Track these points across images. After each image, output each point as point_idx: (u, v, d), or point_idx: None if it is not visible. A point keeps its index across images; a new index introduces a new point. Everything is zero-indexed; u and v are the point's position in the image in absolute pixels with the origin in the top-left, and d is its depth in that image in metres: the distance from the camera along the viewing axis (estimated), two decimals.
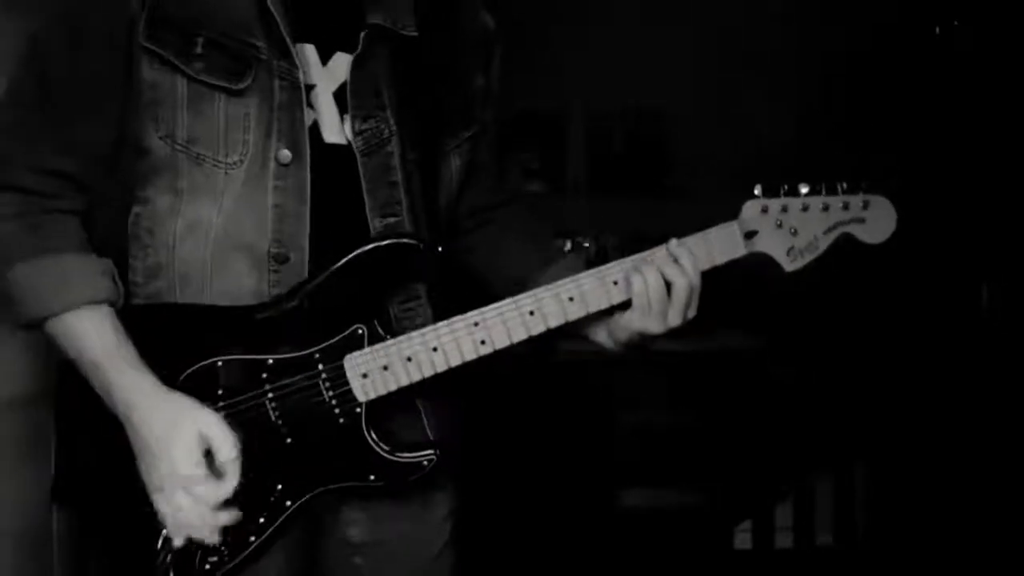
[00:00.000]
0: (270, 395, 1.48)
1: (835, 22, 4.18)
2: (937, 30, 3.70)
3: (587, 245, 3.98)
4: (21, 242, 1.44)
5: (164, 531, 1.44)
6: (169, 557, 1.44)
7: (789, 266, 1.59)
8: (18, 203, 1.45)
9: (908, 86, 3.76)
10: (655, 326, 1.54)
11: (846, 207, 1.58)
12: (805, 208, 1.58)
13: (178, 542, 1.43)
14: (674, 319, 1.54)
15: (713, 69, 4.34)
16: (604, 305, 1.55)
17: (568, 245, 3.85)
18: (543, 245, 1.75)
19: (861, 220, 1.58)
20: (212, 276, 1.48)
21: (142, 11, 1.43)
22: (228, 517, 1.43)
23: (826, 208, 1.58)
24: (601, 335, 1.62)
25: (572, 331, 1.61)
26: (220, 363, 1.46)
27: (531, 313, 1.52)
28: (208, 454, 1.41)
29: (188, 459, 1.39)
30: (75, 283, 1.43)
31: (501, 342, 1.52)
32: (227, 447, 1.41)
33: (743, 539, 3.91)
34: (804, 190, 1.58)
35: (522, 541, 3.52)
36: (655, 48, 4.36)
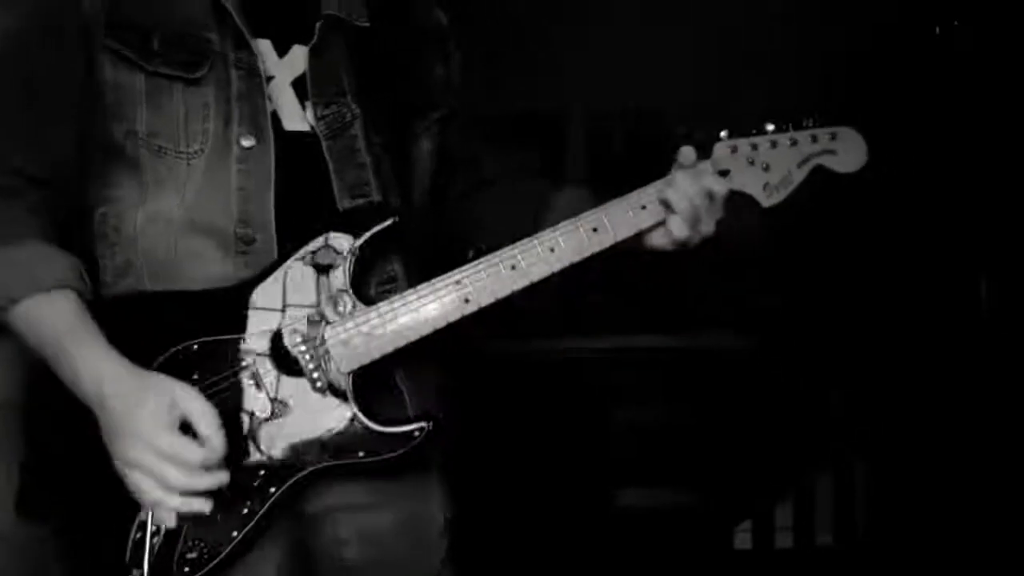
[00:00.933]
0: (247, 372, 1.45)
1: (835, 22, 4.17)
2: (937, 30, 3.69)
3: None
4: None
5: (136, 534, 1.37)
6: (146, 561, 1.36)
7: (766, 201, 1.62)
8: None
9: (908, 86, 3.75)
10: (692, 236, 1.58)
11: (815, 139, 1.61)
12: (774, 144, 1.62)
13: (168, 522, 1.36)
14: (708, 228, 1.59)
15: (713, 69, 4.33)
16: (585, 254, 1.56)
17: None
18: (541, 196, 1.73)
19: (832, 152, 1.62)
20: (179, 265, 1.49)
21: (101, 13, 1.47)
22: (212, 481, 1.36)
23: (794, 143, 1.62)
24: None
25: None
26: (195, 346, 1.44)
27: (512, 268, 1.52)
28: (185, 429, 1.37)
29: (159, 424, 1.35)
30: (37, 268, 1.42)
31: (485, 299, 1.51)
32: (206, 417, 1.37)
33: (743, 539, 3.91)
34: (770, 127, 1.63)
35: (521, 541, 3.51)
36: (655, 48, 4.36)
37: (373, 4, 1.64)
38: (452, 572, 1.69)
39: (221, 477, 1.38)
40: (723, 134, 1.64)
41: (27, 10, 1.51)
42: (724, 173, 1.61)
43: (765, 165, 1.61)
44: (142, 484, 1.36)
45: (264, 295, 1.48)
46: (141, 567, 1.37)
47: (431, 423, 1.49)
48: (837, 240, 3.78)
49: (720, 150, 1.63)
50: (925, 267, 3.65)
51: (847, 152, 1.62)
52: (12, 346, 1.47)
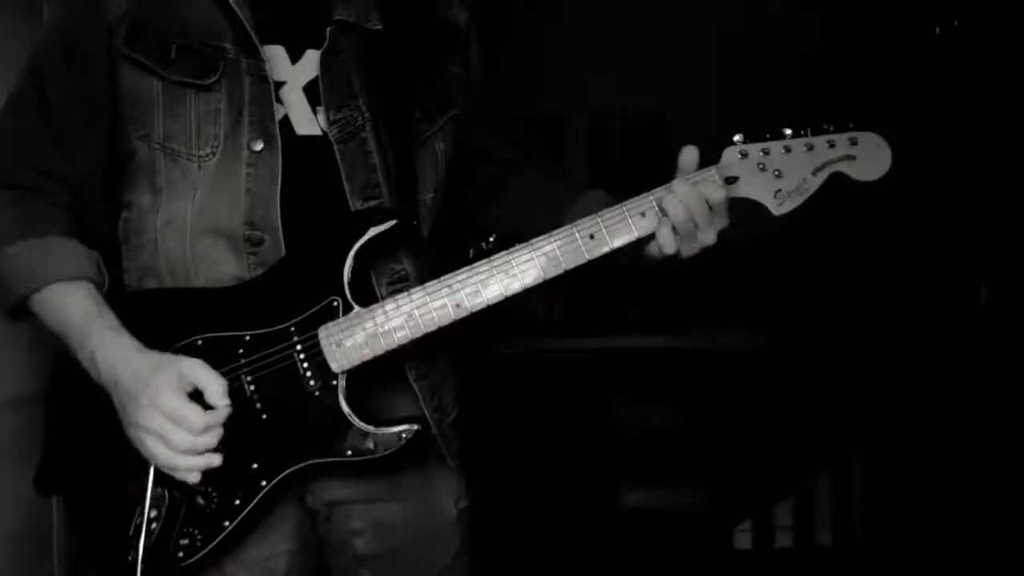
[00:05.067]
0: (245, 370, 1.50)
1: (835, 22, 4.18)
2: (937, 30, 3.70)
3: None
4: (10, 229, 1.53)
5: (137, 519, 1.45)
6: (140, 545, 1.44)
7: (777, 210, 1.53)
8: (13, 199, 1.55)
9: (908, 86, 3.76)
10: (689, 248, 1.53)
11: (832, 145, 1.52)
12: (788, 150, 1.52)
13: (191, 479, 1.44)
14: (708, 238, 1.52)
15: (713, 69, 4.34)
16: (581, 261, 1.52)
17: None
18: (561, 196, 1.72)
19: (851, 157, 1.52)
20: (195, 267, 1.54)
21: (119, 22, 1.53)
22: (213, 442, 1.44)
23: (811, 148, 1.52)
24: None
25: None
26: (200, 342, 1.50)
27: (506, 273, 1.51)
28: (194, 398, 1.45)
29: (171, 392, 1.43)
30: (57, 259, 1.51)
31: (477, 305, 1.51)
32: (214, 385, 1.45)
33: (743, 539, 3.92)
34: (787, 131, 1.53)
35: (521, 541, 3.52)
36: (655, 48, 4.36)
37: (387, 6, 1.65)
38: (465, 564, 1.72)
39: (216, 438, 1.46)
40: (736, 138, 1.53)
41: (53, 23, 1.62)
42: (732, 180, 1.53)
43: (777, 171, 1.52)
44: (155, 448, 1.44)
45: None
46: (137, 550, 1.45)
47: (418, 427, 1.51)
48: (836, 241, 3.79)
49: (729, 155, 1.54)
50: (925, 269, 3.65)
51: (868, 158, 1.52)
52: (35, 336, 1.56)
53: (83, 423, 1.53)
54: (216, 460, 1.45)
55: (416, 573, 1.67)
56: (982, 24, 3.58)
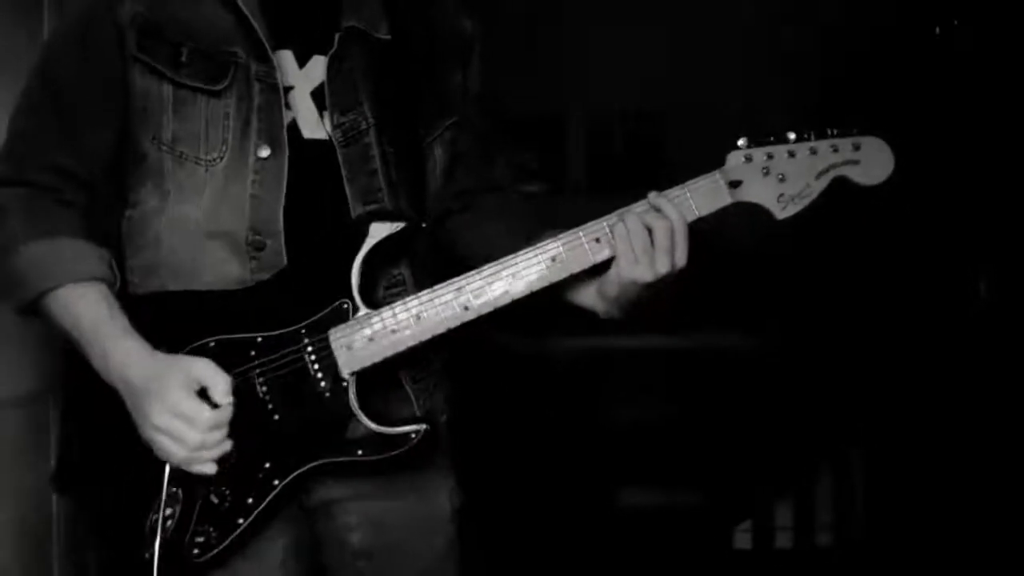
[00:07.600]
0: (257, 371, 1.52)
1: (835, 22, 4.18)
2: (937, 30, 3.70)
3: None
4: (23, 228, 1.54)
5: (152, 517, 1.48)
6: (157, 543, 1.47)
7: (780, 214, 1.54)
8: (26, 196, 1.56)
9: (908, 86, 3.76)
10: (644, 273, 1.52)
11: (836, 150, 1.53)
12: (792, 154, 1.53)
13: (198, 468, 1.47)
14: (662, 265, 1.52)
15: (713, 69, 4.35)
16: (587, 264, 1.54)
17: None
18: (527, 231, 1.71)
19: (855, 162, 1.53)
20: (197, 268, 1.56)
21: (131, 24, 1.55)
22: (223, 436, 1.46)
23: (814, 152, 1.53)
24: (590, 298, 1.62)
25: (560, 299, 1.62)
26: (212, 343, 1.52)
27: (513, 276, 1.53)
28: (202, 396, 1.47)
29: (180, 391, 1.46)
30: (70, 260, 1.53)
31: (484, 308, 1.53)
32: (220, 384, 1.47)
33: (743, 539, 3.92)
34: (791, 136, 1.54)
35: (520, 541, 3.52)
36: (655, 48, 4.37)
37: (395, 13, 1.67)
38: (458, 559, 1.73)
39: (225, 437, 1.48)
40: (740, 142, 1.54)
41: (68, 22, 1.64)
42: (736, 183, 1.53)
43: (781, 176, 1.53)
44: (169, 447, 1.47)
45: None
46: (153, 547, 1.47)
47: (427, 427, 1.54)
48: (836, 240, 3.79)
49: (733, 159, 1.54)
50: (924, 267, 3.66)
51: (871, 163, 1.52)
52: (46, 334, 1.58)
53: (100, 419, 1.54)
54: (228, 446, 1.48)
55: (412, 566, 1.69)
56: (982, 24, 3.59)
